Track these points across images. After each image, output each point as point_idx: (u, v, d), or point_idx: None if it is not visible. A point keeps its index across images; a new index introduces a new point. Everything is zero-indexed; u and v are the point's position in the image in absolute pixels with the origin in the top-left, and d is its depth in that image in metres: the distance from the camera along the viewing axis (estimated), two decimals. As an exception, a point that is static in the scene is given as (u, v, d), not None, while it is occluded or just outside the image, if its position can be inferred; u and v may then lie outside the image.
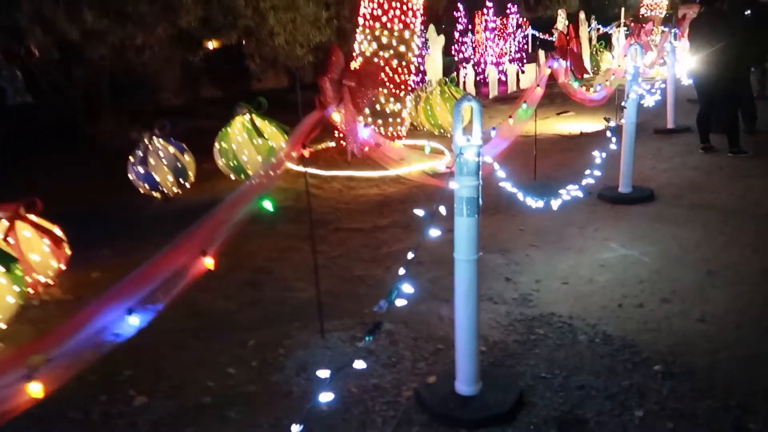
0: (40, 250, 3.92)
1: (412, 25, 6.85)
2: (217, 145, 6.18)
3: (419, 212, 2.47)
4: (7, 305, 3.28)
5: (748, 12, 6.80)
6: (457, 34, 15.04)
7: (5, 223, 3.85)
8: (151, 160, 5.95)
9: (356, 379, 2.84)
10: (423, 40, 11.40)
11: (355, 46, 7.03)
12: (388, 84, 6.91)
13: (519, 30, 16.97)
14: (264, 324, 3.48)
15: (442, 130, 8.78)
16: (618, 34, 15.76)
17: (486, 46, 14.80)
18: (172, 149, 6.07)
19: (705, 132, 6.81)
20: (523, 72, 15.27)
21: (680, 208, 5.02)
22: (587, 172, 4.83)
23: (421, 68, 11.43)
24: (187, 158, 6.15)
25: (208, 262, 2.18)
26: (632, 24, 18.30)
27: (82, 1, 6.90)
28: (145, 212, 5.91)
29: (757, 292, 3.51)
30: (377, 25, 6.77)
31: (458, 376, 2.60)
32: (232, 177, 6.28)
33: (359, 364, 2.24)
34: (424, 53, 11.37)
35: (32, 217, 4.02)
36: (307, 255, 4.56)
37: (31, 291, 3.88)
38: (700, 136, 6.84)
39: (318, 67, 10.68)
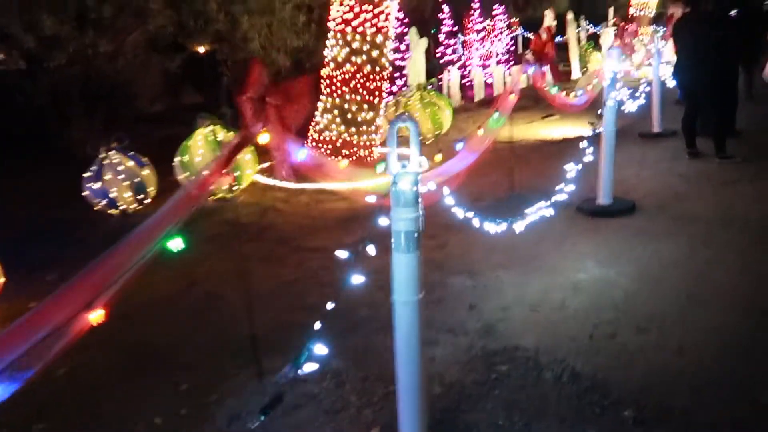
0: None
1: (385, 29, 6.55)
2: (177, 158, 5.87)
3: (342, 254, 2.17)
4: None
5: (734, 12, 6.52)
6: (442, 36, 14.79)
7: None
8: (107, 176, 5.64)
9: (293, 431, 2.53)
10: (406, 43, 11.13)
11: (326, 51, 6.72)
12: (360, 91, 6.60)
13: (507, 31, 16.76)
14: (202, 362, 3.17)
15: (421, 138, 8.47)
16: (606, 35, 15.51)
17: (472, 48, 14.53)
18: (130, 163, 5.75)
19: (691, 136, 6.53)
20: (510, 74, 14.99)
21: (663, 220, 4.73)
22: (566, 182, 4.53)
23: (403, 72, 11.17)
24: (147, 172, 5.83)
25: (95, 317, 1.87)
26: (621, 24, 18.10)
27: (40, 8, 6.58)
28: (102, 230, 5.58)
29: (742, 319, 3.22)
30: (348, 29, 6.47)
31: (401, 431, 2.30)
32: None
33: (297, 413, 1.93)
34: (406, 56, 11.10)
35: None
36: (264, 279, 4.28)
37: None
38: (685, 141, 6.56)
39: (294, 71, 10.40)
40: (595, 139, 4.62)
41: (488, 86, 14.23)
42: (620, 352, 2.98)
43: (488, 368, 2.92)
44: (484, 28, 15.07)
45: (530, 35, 16.95)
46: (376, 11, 6.39)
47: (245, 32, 8.84)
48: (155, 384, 2.97)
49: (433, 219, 4.29)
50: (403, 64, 11.11)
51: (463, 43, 14.80)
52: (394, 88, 11.31)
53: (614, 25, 18.09)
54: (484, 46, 14.97)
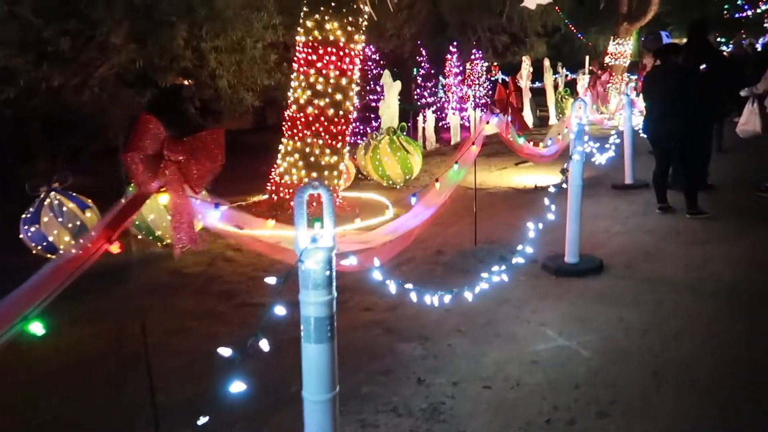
0: None
1: (349, 72, 6.35)
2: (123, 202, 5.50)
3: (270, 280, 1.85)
4: None
5: (704, 66, 6.45)
6: (420, 79, 14.76)
7: None
8: (44, 218, 5.26)
9: None
10: (382, 84, 11.01)
11: (289, 93, 6.50)
12: (323, 134, 6.36)
13: (486, 75, 16.81)
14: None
15: (390, 182, 8.24)
16: (582, 81, 15.64)
17: (451, 92, 14.50)
18: (71, 204, 5.39)
19: (662, 191, 6.36)
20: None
21: (631, 282, 4.47)
22: (533, 236, 4.25)
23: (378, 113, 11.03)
24: (89, 215, 5.46)
25: None
26: (598, 71, 18.34)
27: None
28: (37, 276, 5.17)
29: (712, 400, 2.92)
30: (312, 71, 6.26)
31: None
32: (139, 237, 5.59)
33: None
34: (382, 98, 10.96)
35: None
36: (200, 339, 3.90)
37: None
38: (656, 196, 6.39)
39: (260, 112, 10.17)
40: (564, 191, 4.38)
41: (466, 129, 14.17)
42: (578, 443, 2.66)
43: (428, 461, 2.57)
44: (462, 71, 15.13)
45: (507, 79, 17.07)
46: (341, 53, 6.20)
47: (213, 69, 8.59)
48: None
49: (377, 276, 3.96)
50: (379, 105, 10.99)
51: (444, 86, 14.80)
52: (368, 130, 11.17)
53: (590, 72, 18.33)
54: (461, 90, 14.98)
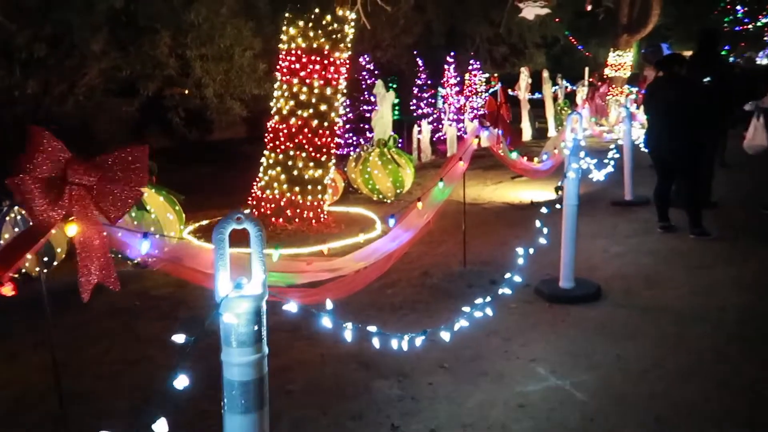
0: None
1: (334, 81, 6.04)
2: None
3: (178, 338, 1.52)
4: None
5: (708, 79, 6.13)
6: (416, 90, 14.49)
7: None
8: (6, 235, 4.92)
9: None
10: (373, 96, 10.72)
11: (271, 103, 6.18)
12: (307, 147, 6.04)
13: (486, 86, 16.54)
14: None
15: (381, 196, 7.91)
16: (582, 93, 15.35)
17: (448, 103, 14.23)
18: (34, 220, 5.04)
19: (663, 209, 6.03)
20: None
21: (630, 311, 4.12)
22: (526, 256, 3.90)
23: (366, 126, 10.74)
24: (53, 231, 5.11)
25: None
26: (598, 83, 18.08)
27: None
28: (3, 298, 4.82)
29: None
30: (295, 80, 5.95)
31: None
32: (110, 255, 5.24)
33: None
34: (374, 110, 10.67)
35: None
36: (157, 370, 3.56)
37: None
38: (658, 214, 6.05)
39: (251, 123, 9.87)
40: (541, 223, 4.03)
41: (463, 141, 13.86)
42: None
43: None
44: (460, 82, 14.86)
45: (510, 91, 16.82)
46: (325, 62, 5.89)
47: (199, 78, 8.29)
48: None
49: (362, 298, 3.59)
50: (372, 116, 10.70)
51: (443, 97, 14.52)
52: (362, 141, 10.87)
53: (590, 83, 18.06)
54: (459, 101, 14.71)
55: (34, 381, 3.44)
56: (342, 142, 11.39)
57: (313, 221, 6.16)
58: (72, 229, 1.95)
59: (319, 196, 6.23)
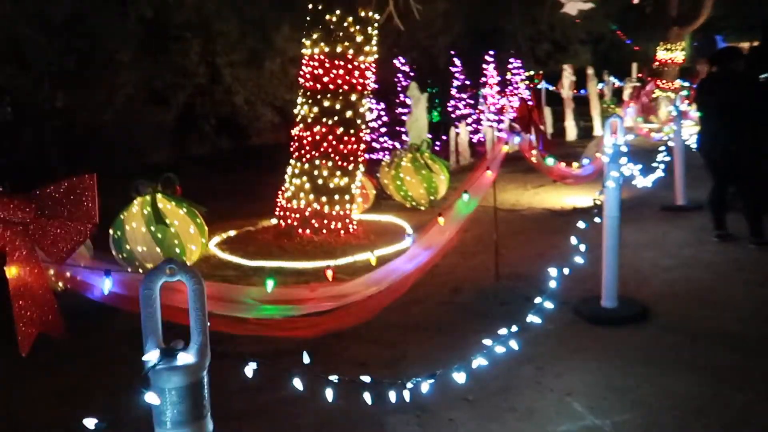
0: None
1: (359, 87, 5.78)
2: (111, 232, 5.07)
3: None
4: None
5: (766, 75, 5.57)
6: (453, 90, 14.12)
7: None
8: (27, 250, 4.86)
9: None
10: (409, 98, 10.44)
11: (296, 110, 5.98)
12: (332, 155, 5.80)
13: (529, 84, 15.98)
14: None
15: (414, 203, 7.60)
16: (629, 90, 14.62)
17: (485, 103, 13.80)
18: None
19: (719, 215, 5.50)
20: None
21: (681, 337, 3.68)
22: (566, 269, 3.54)
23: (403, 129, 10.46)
24: (76, 246, 5.03)
25: None
26: (648, 78, 17.25)
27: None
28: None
29: None
30: (318, 86, 5.72)
31: None
32: (129, 270, 5.14)
33: None
34: (406, 113, 10.39)
35: None
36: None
37: None
38: (713, 221, 5.53)
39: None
40: (578, 240, 3.64)
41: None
42: None
43: None
44: (501, 81, 14.38)
45: (553, 89, 16.22)
46: (349, 67, 5.64)
47: (229, 85, 8.20)
48: None
49: (385, 317, 3.27)
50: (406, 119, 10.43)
51: (483, 97, 14.09)
52: (397, 145, 10.60)
53: (639, 80, 17.25)
54: (498, 101, 14.24)
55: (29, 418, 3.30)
56: (377, 146, 11.15)
57: (341, 232, 5.92)
58: (12, 272, 1.75)
59: (347, 206, 5.98)
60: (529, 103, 4.09)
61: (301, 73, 5.89)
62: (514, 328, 3.29)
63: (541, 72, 22.73)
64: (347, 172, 5.91)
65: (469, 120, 13.15)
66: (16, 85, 6.53)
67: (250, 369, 2.09)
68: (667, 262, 5.04)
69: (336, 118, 5.74)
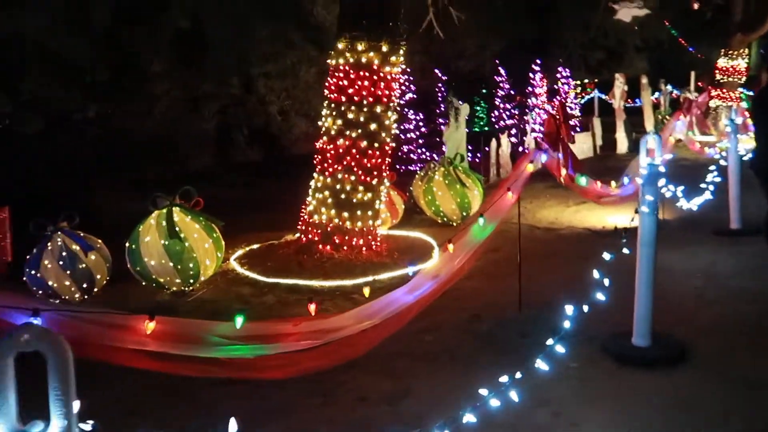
0: None
1: (385, 98, 5.56)
2: (127, 245, 5.02)
3: None
4: None
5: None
6: (497, 100, 13.74)
7: None
8: (46, 261, 4.87)
9: None
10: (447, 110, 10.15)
11: (320, 122, 5.82)
12: (355, 169, 5.60)
13: (581, 93, 15.40)
14: None
15: (445, 219, 7.31)
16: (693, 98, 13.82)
17: (534, 113, 13.34)
18: (75, 247, 4.97)
19: (777, 243, 4.96)
20: (573, 142, 13.52)
21: (725, 383, 3.27)
22: (594, 299, 3.20)
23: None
24: (94, 258, 5.02)
25: None
26: (708, 87, 16.31)
27: (22, 69, 6.16)
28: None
29: None
30: (343, 98, 5.54)
31: None
32: (144, 284, 5.08)
33: None
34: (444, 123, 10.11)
35: None
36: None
37: None
38: (770, 247, 5.00)
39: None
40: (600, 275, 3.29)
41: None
42: None
43: None
44: (548, 91, 13.87)
45: (605, 97, 15.58)
46: (374, 78, 5.43)
47: (263, 96, 8.14)
48: None
49: (394, 344, 3.03)
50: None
51: (530, 107, 13.64)
52: (435, 156, 10.32)
53: (697, 89, 16.33)
54: (545, 111, 13.74)
55: None
56: (414, 157, 10.91)
57: (363, 249, 5.70)
58: None
59: (370, 222, 5.76)
60: (557, 117, 3.75)
61: (327, 84, 5.73)
62: (535, 365, 3.00)
63: (593, 81, 21.93)
64: (371, 187, 5.69)
65: (514, 131, 12.74)
66: (51, 94, 6.65)
67: None
68: (715, 293, 4.57)
69: (360, 130, 5.53)
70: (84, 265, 4.96)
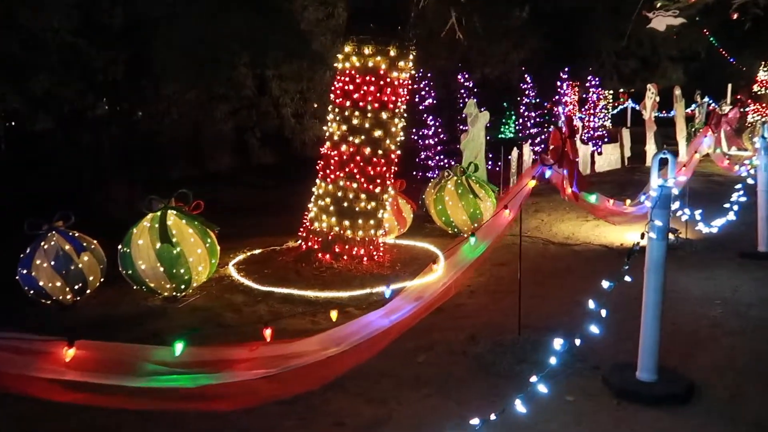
0: None
1: (391, 105, 5.36)
2: (120, 247, 4.92)
3: None
4: None
5: None
6: (522, 108, 13.42)
7: None
8: (38, 261, 4.79)
9: None
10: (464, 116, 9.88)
11: (325, 127, 5.65)
12: (358, 177, 5.41)
13: (613, 103, 14.93)
14: None
15: (456, 229, 7.06)
16: (722, 113, 13.27)
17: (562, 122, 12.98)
18: (67, 247, 4.89)
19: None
20: (599, 153, 13.15)
21: (737, 427, 2.96)
22: (596, 325, 2.94)
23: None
24: (86, 259, 4.93)
25: None
26: (747, 101, 15.71)
27: (36, 66, 6.14)
28: (30, 325, 4.68)
29: None
30: (348, 103, 5.36)
31: None
32: (135, 287, 4.97)
33: None
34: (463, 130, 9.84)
35: None
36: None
37: None
38: (799, 277, 4.64)
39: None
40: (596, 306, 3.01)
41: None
42: None
43: None
44: (578, 100, 13.49)
45: (638, 107, 15.10)
46: (381, 83, 5.23)
47: (277, 98, 8.03)
48: None
49: (382, 365, 2.85)
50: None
51: (557, 116, 13.28)
52: (452, 163, 10.06)
53: (736, 101, 15.72)
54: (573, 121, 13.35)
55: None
56: (432, 164, 10.67)
57: (364, 259, 5.50)
58: None
59: (372, 232, 5.55)
60: (564, 131, 3.48)
61: (333, 87, 5.56)
62: (528, 396, 2.76)
63: (627, 90, 21.32)
64: (374, 196, 5.49)
65: (538, 140, 12.39)
66: (62, 93, 6.62)
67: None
68: (733, 324, 4.23)
69: (364, 137, 5.35)
70: (75, 266, 4.87)
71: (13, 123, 7.16)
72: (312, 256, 5.53)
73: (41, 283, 4.79)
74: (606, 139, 14.04)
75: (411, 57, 5.44)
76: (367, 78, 5.24)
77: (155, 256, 4.71)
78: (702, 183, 9.83)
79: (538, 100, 13.11)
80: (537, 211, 8.61)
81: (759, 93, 14.46)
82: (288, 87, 8.16)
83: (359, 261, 5.46)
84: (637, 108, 15.75)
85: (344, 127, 5.39)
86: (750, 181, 5.87)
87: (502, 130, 16.17)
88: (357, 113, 5.31)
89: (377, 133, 5.35)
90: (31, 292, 4.86)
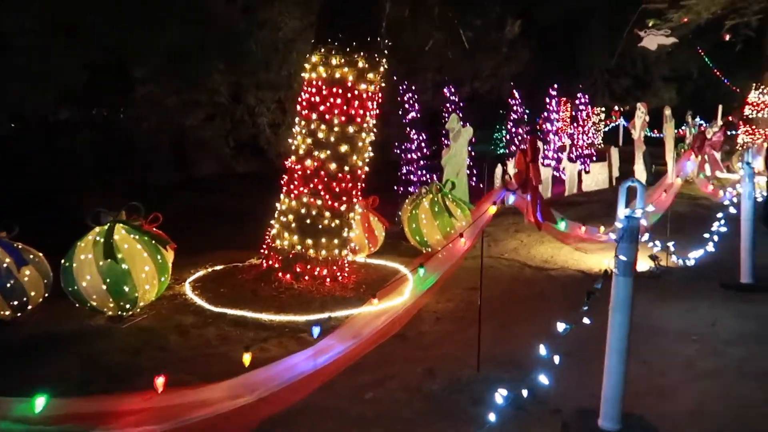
0: None
1: (358, 118, 5.10)
2: (62, 262, 4.61)
3: None
4: None
5: None
6: (510, 124, 13.21)
7: None
8: (-23, 271, 4.49)
9: None
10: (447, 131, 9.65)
11: (290, 140, 5.38)
12: (322, 193, 5.14)
13: (605, 121, 14.75)
14: None
15: (429, 249, 6.78)
16: (710, 135, 13.12)
17: (548, 140, 12.76)
18: (8, 260, 4.58)
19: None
20: (587, 172, 12.94)
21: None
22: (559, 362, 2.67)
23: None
24: (29, 273, 4.63)
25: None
26: (739, 123, 15.59)
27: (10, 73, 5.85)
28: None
29: None
30: (314, 115, 5.10)
31: None
32: (77, 305, 4.66)
33: None
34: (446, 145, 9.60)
35: None
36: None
37: None
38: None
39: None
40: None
41: (560, 183, 12.30)
42: None
43: None
44: (572, 117, 13.30)
45: (629, 126, 14.94)
46: (348, 95, 4.98)
47: (252, 107, 7.77)
48: None
49: (327, 401, 2.56)
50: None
51: (545, 132, 13.07)
52: (434, 179, 9.80)
53: (726, 123, 15.58)
54: (560, 139, 13.16)
55: None
56: (414, 179, 10.40)
57: (327, 280, 5.21)
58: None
59: (336, 251, 5.27)
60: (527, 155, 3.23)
61: (299, 99, 5.30)
62: None
63: (620, 108, 21.20)
64: (339, 213, 5.22)
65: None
66: (23, 95, 6.33)
67: None
68: (709, 363, 3.95)
69: (329, 151, 5.08)
70: (14, 281, 4.56)
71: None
72: (272, 275, 5.24)
73: (-23, 299, 4.49)
74: (594, 158, 13.83)
75: (381, 69, 5.19)
76: (334, 90, 4.99)
77: (99, 272, 4.41)
78: (688, 206, 9.61)
79: (526, 116, 12.89)
80: (517, 231, 8.34)
81: (749, 115, 14.30)
82: (264, 96, 7.90)
83: (321, 282, 5.18)
84: (628, 126, 15.59)
85: (309, 141, 5.13)
86: (732, 210, 5.62)
87: (493, 145, 16.00)
88: (323, 126, 5.05)
89: (343, 148, 5.09)
90: (-33, 307, 4.55)
